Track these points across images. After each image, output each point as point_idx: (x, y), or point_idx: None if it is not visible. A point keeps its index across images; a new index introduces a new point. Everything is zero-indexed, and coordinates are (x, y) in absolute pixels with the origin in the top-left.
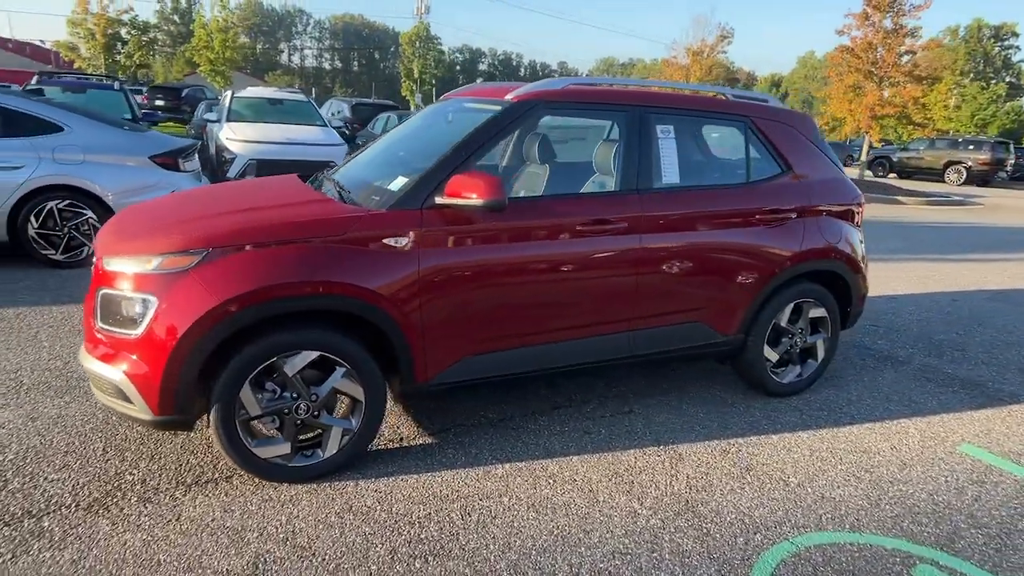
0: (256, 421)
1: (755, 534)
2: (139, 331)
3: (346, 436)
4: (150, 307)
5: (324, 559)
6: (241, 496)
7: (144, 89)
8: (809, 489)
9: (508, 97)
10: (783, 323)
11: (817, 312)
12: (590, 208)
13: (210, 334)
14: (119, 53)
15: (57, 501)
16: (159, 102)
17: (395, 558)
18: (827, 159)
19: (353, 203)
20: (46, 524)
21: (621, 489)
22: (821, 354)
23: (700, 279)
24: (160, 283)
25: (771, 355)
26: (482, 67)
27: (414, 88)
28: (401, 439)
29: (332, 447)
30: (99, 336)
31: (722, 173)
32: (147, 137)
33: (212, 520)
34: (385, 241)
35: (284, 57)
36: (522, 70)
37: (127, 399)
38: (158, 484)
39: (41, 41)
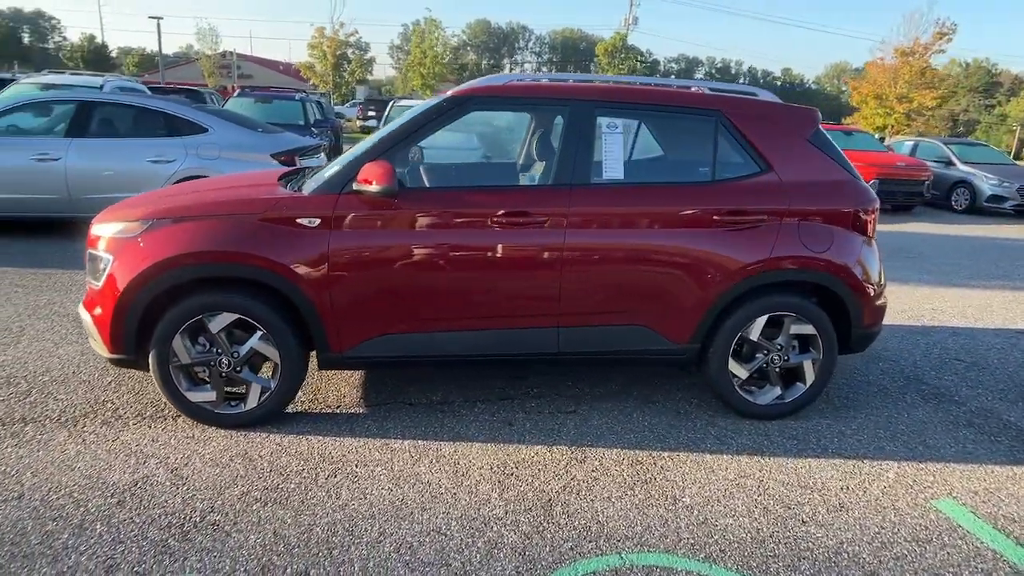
0: (198, 369)
1: (591, 543)
2: (100, 283)
3: (265, 394)
4: (109, 264)
5: (189, 488)
6: (173, 432)
7: (359, 101)
8: (695, 512)
9: (448, 93)
10: (753, 336)
11: (802, 329)
12: (508, 200)
13: (145, 289)
14: (344, 71)
15: (46, 414)
16: (371, 112)
17: (242, 499)
18: (827, 158)
19: (297, 190)
20: (27, 429)
21: (493, 479)
22: (810, 377)
23: (642, 280)
24: (117, 245)
25: (739, 371)
26: (699, 75)
27: None
28: (336, 406)
29: (252, 401)
30: (86, 287)
31: (682, 170)
32: (275, 138)
33: (136, 446)
34: (299, 221)
35: (506, 71)
36: (741, 78)
37: (94, 337)
38: (124, 413)
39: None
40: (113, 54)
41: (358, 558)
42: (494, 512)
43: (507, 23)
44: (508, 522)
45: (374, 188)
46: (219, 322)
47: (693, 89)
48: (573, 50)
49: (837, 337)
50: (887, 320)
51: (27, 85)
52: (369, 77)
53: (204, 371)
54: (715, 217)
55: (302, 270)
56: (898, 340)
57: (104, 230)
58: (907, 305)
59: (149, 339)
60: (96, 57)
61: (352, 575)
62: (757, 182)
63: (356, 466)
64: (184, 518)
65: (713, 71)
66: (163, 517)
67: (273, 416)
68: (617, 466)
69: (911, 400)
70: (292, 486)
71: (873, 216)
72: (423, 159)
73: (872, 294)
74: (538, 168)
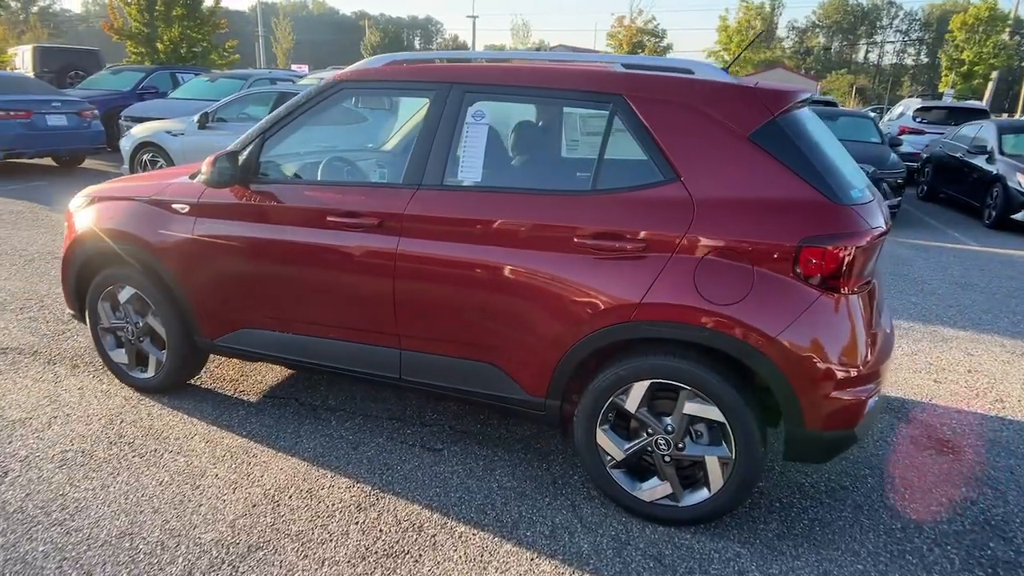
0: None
1: (203, 558)
2: (66, 246)
3: (159, 366)
4: (68, 230)
5: (41, 425)
6: (119, 384)
7: None
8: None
9: (332, 76)
10: (630, 407)
11: (704, 411)
12: (345, 199)
13: (73, 258)
14: None
15: (36, 350)
16: None
17: (58, 459)
18: (775, 163)
19: (192, 178)
20: (16, 358)
21: (239, 493)
22: (716, 481)
23: (490, 309)
24: (72, 216)
25: (611, 448)
26: None
27: (956, 82)
28: (239, 391)
29: (152, 371)
30: None
31: (560, 175)
32: None
33: (96, 391)
34: (174, 206)
35: (861, 55)
36: None
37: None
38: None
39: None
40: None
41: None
42: (168, 523)
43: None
44: (204, 545)
45: (201, 177)
46: (124, 294)
47: (600, 66)
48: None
49: (768, 433)
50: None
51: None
52: None
53: (123, 333)
54: (575, 239)
55: (171, 253)
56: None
57: (71, 203)
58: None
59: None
60: None
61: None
62: (651, 196)
63: (166, 453)
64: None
65: None
66: None
67: (172, 387)
68: (393, 527)
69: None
70: (100, 454)
71: (842, 256)
72: (304, 151)
73: (825, 381)
74: (397, 163)
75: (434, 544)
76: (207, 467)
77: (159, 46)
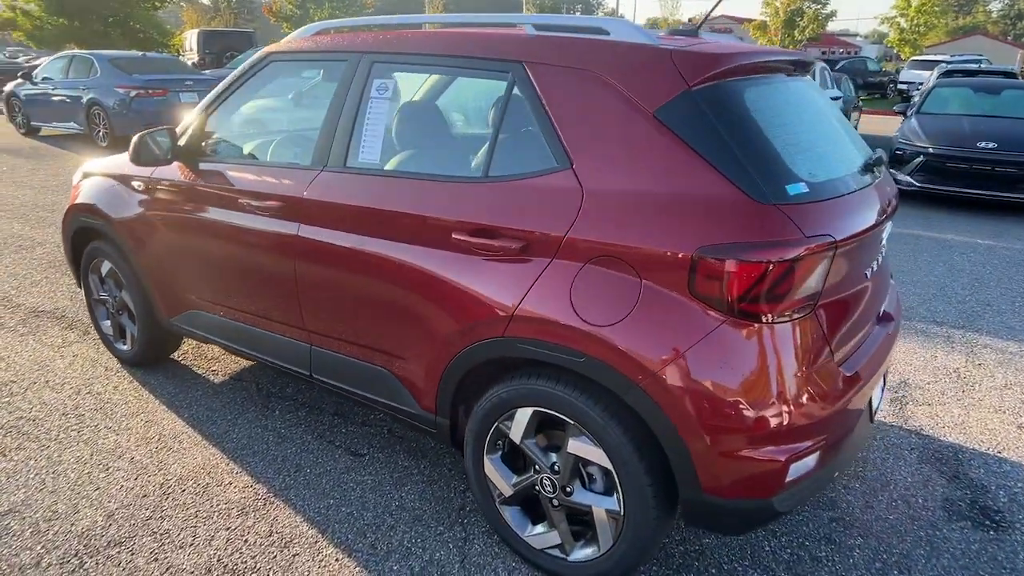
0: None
1: (59, 550)
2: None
3: (135, 340)
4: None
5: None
6: (108, 355)
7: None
8: None
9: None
10: (515, 437)
11: (589, 452)
12: (257, 180)
13: (68, 228)
14: (796, 27)
15: (64, 315)
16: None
17: (9, 426)
18: (684, 149)
19: None
20: (42, 322)
21: (140, 480)
22: (605, 538)
23: (379, 307)
24: (74, 189)
25: (498, 480)
26: None
27: None
28: (210, 371)
29: (128, 344)
30: None
31: (458, 157)
32: None
33: (91, 358)
34: (133, 184)
35: None
36: None
37: None
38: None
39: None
40: None
41: None
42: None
43: None
44: (71, 533)
45: (127, 154)
46: (104, 268)
47: (507, 30)
48: None
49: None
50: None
51: None
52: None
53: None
54: (454, 235)
55: (130, 230)
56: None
57: (74, 176)
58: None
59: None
60: None
61: None
62: (540, 185)
63: (99, 425)
64: None
65: None
66: None
67: (151, 361)
68: (261, 539)
69: None
70: (28, 418)
71: (763, 273)
72: (248, 130)
73: (726, 435)
74: (316, 142)
75: (289, 566)
76: (129, 449)
77: None
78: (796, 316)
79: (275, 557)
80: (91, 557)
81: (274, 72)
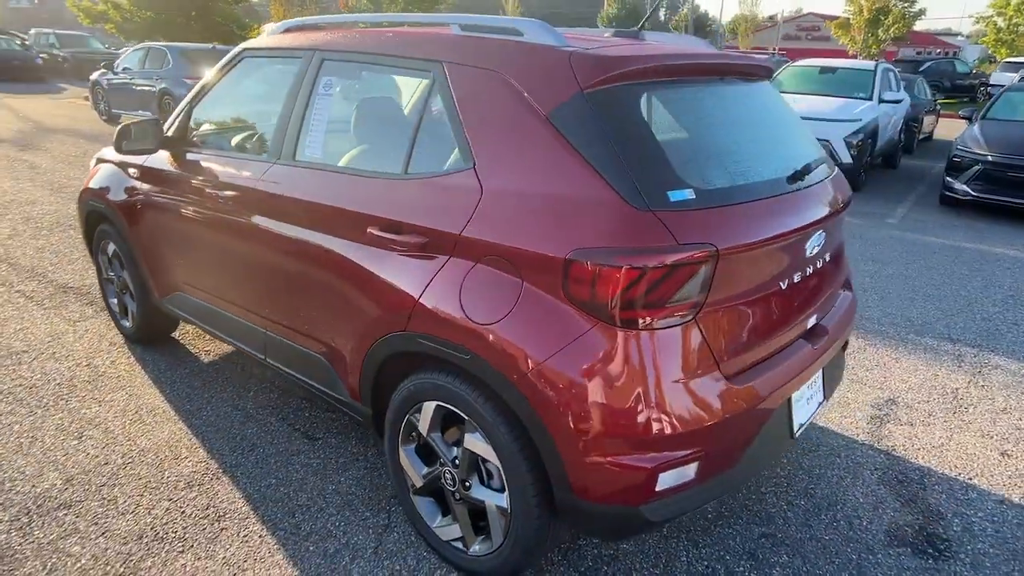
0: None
1: (12, 509)
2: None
3: (132, 315)
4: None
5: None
6: (115, 331)
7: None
8: None
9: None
10: (422, 428)
11: (483, 448)
12: (222, 170)
13: (83, 208)
14: (880, 26)
15: (88, 291)
16: None
17: (7, 394)
18: (568, 151)
19: None
20: (66, 298)
21: (108, 450)
22: (496, 534)
23: (314, 294)
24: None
25: (410, 470)
26: None
27: None
28: (203, 350)
29: (130, 321)
30: None
31: (388, 154)
32: None
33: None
34: (129, 170)
35: None
36: None
37: None
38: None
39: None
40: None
41: None
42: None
43: None
44: (29, 495)
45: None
46: (110, 249)
47: (433, 29)
48: None
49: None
50: None
51: None
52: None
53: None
54: (369, 230)
55: (125, 213)
56: None
57: (91, 161)
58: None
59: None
60: (698, 26)
61: None
62: (448, 184)
63: (100, 395)
64: None
65: None
66: None
67: (152, 339)
68: (197, 512)
69: None
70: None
71: (631, 279)
72: (227, 123)
73: (593, 439)
74: (274, 135)
75: (215, 538)
76: (107, 420)
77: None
78: (672, 324)
79: (204, 529)
80: (40, 517)
81: (247, 67)
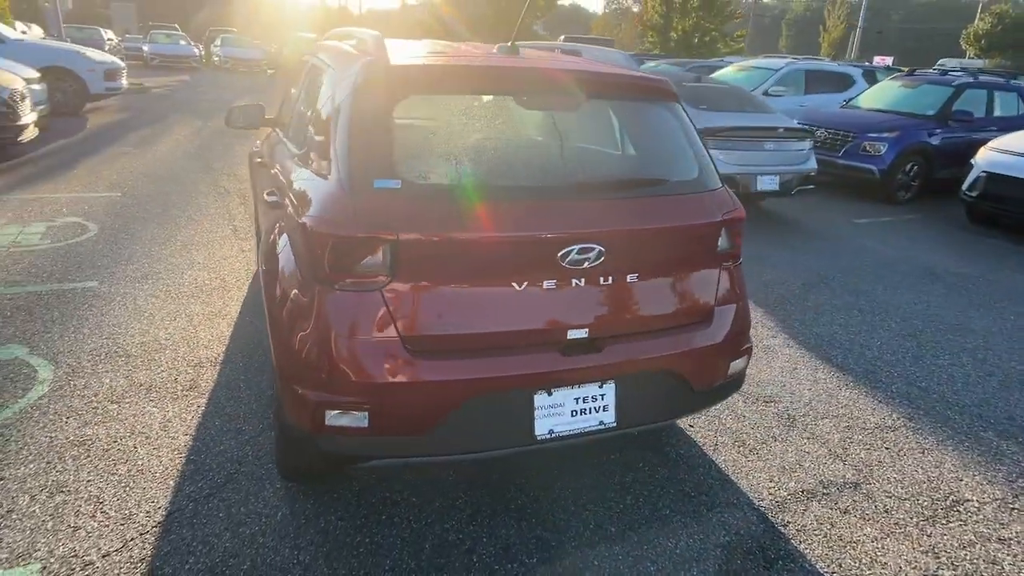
0: None
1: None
2: None
3: None
4: None
5: None
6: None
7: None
8: None
9: None
10: None
11: None
12: (278, 148)
13: None
14: None
15: (230, 289)
16: None
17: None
18: (342, 146)
19: None
20: (206, 294)
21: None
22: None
23: None
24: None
25: None
26: None
27: None
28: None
29: None
30: None
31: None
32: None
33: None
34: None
35: None
36: None
37: None
38: None
39: None
40: None
41: None
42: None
43: None
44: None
45: None
46: None
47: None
48: None
49: None
50: None
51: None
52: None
53: None
54: None
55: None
56: None
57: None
58: None
59: None
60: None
61: None
62: None
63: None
64: None
65: None
66: None
67: None
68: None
69: None
70: None
71: (327, 247)
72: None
73: (295, 371)
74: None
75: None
76: (157, 422)
77: (672, 35)
78: (355, 289)
79: (131, 454)
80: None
81: None
